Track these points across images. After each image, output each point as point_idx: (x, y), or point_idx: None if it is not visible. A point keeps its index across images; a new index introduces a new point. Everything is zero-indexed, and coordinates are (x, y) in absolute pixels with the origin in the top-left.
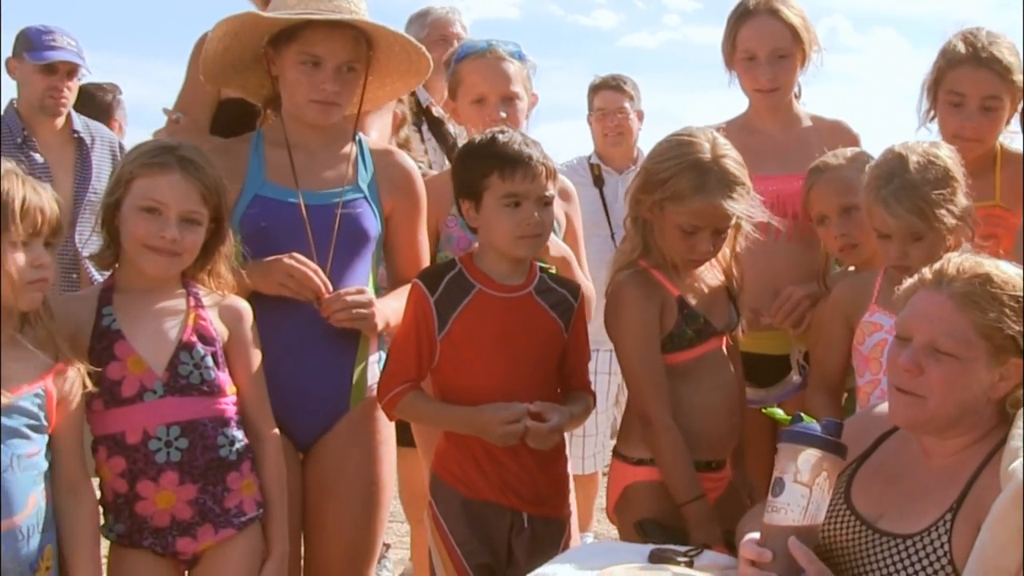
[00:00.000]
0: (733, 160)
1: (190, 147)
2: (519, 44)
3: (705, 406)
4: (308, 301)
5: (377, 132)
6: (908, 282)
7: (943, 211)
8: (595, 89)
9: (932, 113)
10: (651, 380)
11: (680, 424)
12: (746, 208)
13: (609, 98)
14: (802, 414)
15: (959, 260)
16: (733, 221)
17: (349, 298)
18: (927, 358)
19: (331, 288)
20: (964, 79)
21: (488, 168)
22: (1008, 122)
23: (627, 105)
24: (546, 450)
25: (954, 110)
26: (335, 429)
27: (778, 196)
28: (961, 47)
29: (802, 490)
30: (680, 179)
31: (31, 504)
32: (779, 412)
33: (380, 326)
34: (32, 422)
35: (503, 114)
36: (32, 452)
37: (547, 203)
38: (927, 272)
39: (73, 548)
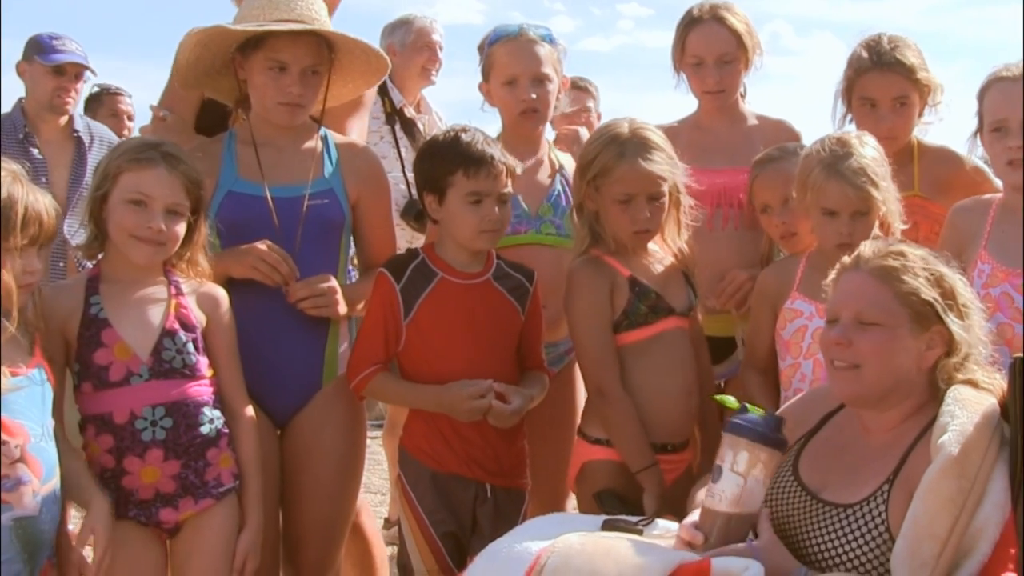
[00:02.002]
0: (653, 132)
1: (172, 144)
2: (550, 28)
3: (661, 387)
4: (276, 285)
5: (356, 133)
6: (831, 275)
7: (886, 184)
8: None
9: (848, 117)
10: (602, 356)
11: (635, 404)
12: (668, 169)
13: (575, 97)
14: (748, 405)
15: (873, 244)
16: (666, 188)
17: (313, 286)
18: (855, 331)
19: (298, 275)
20: (872, 84)
21: (453, 166)
22: (920, 115)
23: (590, 104)
24: (507, 426)
25: (869, 112)
26: (309, 406)
27: (725, 188)
28: (865, 55)
29: (738, 480)
30: (604, 154)
31: (57, 471)
32: (730, 399)
33: (344, 311)
34: (50, 398)
35: (533, 95)
36: (53, 425)
37: (505, 200)
38: (846, 259)
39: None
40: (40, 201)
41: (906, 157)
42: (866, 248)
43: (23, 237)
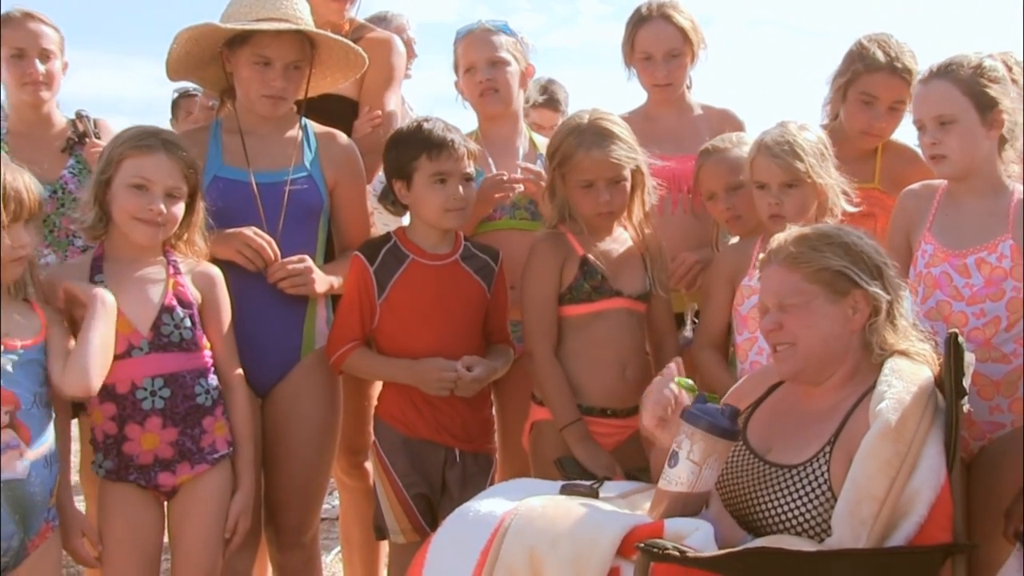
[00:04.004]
0: (611, 122)
1: (170, 131)
2: (507, 21)
3: (595, 358)
4: (258, 269)
5: (394, 105)
6: (756, 272)
7: (814, 161)
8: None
9: (833, 107)
10: (539, 322)
11: (570, 369)
12: (625, 154)
13: (546, 117)
14: (706, 394)
15: (782, 235)
16: (627, 172)
17: (290, 266)
18: (781, 315)
19: (280, 257)
20: (879, 84)
21: (418, 151)
22: None
23: (559, 119)
24: (473, 395)
25: (864, 108)
26: (288, 378)
27: (674, 175)
28: (880, 55)
29: (693, 467)
30: (565, 143)
31: (49, 437)
32: (688, 383)
33: (321, 290)
34: (44, 369)
35: (487, 76)
36: (46, 392)
37: (468, 179)
38: (762, 256)
39: None
40: (20, 179)
41: (870, 151)
42: (774, 242)
43: (5, 214)
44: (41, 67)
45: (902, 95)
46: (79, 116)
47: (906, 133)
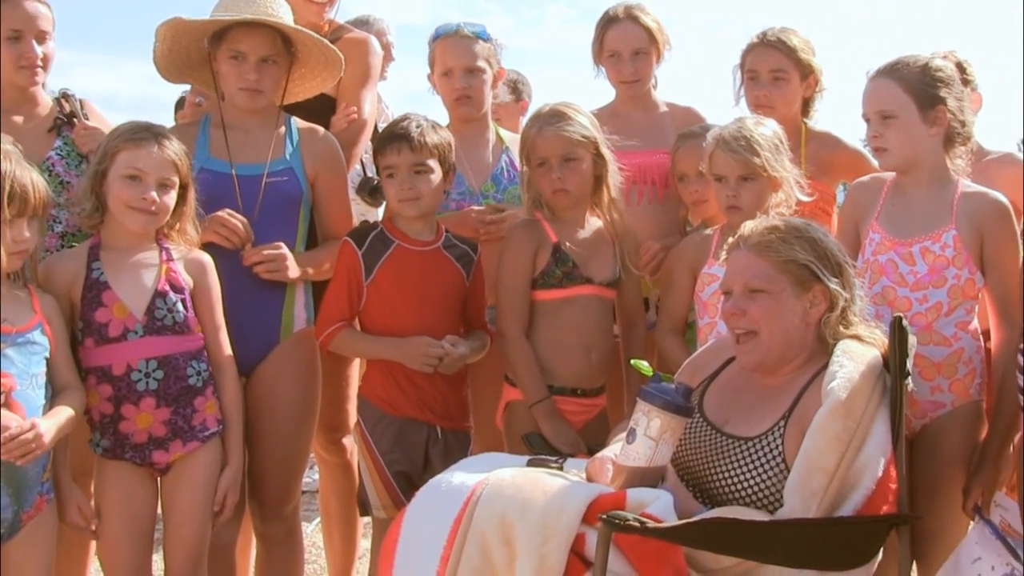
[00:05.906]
0: (569, 107)
1: (161, 126)
2: (485, 25)
3: (562, 341)
4: (233, 248)
5: (369, 104)
6: (723, 255)
7: (769, 155)
8: None
9: (741, 91)
10: (511, 304)
11: (539, 352)
12: (577, 132)
13: (511, 109)
14: (660, 374)
15: (752, 223)
16: (582, 153)
17: (265, 252)
18: (745, 300)
19: (254, 240)
20: (755, 58)
21: (378, 148)
22: (809, 99)
23: (511, 98)
24: (452, 374)
25: (752, 84)
26: (269, 358)
27: (640, 168)
28: (754, 37)
29: (649, 443)
30: (527, 128)
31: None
32: (643, 365)
33: (294, 275)
34: (44, 352)
35: (465, 84)
36: (43, 373)
37: (419, 171)
38: (731, 240)
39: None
40: (26, 176)
41: (795, 141)
42: (746, 228)
43: (10, 210)
44: (39, 49)
45: (779, 64)
46: (64, 96)
47: (828, 123)
